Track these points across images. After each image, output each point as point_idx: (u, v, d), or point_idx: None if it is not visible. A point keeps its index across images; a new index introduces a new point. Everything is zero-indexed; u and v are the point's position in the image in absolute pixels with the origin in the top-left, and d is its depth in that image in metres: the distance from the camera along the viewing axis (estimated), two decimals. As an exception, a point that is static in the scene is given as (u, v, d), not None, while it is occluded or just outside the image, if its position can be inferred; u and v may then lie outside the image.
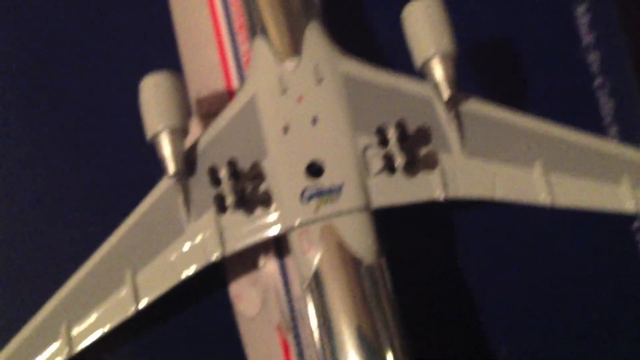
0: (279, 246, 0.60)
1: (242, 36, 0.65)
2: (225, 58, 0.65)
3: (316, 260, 0.51)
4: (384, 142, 0.52)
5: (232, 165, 0.52)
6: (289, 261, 0.59)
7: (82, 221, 0.61)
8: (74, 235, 0.61)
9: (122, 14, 0.65)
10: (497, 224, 0.59)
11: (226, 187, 0.52)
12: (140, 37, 0.64)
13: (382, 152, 0.53)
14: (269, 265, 0.60)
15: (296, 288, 0.59)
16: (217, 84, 0.64)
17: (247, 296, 0.59)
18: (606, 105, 0.61)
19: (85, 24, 0.65)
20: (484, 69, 0.62)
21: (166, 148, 0.54)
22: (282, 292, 0.59)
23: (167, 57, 0.64)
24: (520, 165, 0.54)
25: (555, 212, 0.55)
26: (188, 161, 0.55)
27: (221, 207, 0.52)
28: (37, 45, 0.65)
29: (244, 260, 0.59)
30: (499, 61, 0.63)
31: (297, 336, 0.58)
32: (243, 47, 0.65)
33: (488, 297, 0.58)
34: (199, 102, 0.63)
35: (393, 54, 0.59)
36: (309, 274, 0.52)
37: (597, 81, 0.62)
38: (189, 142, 0.56)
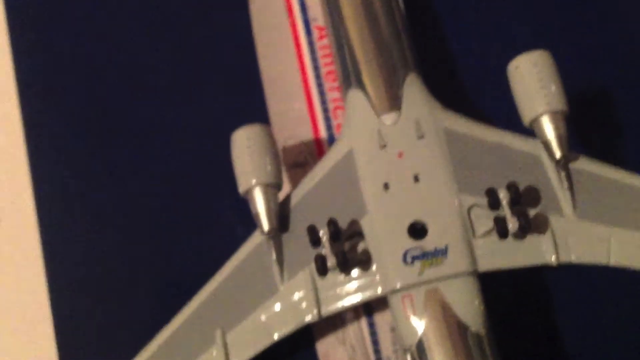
0: (367, 303, 0.56)
1: (329, 85, 0.63)
2: (312, 107, 0.63)
3: (421, 326, 0.49)
4: (495, 204, 0.49)
5: (333, 224, 0.50)
6: (378, 318, 0.57)
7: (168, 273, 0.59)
8: (159, 287, 0.59)
9: (210, 62, 0.64)
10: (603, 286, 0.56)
11: (327, 248, 0.50)
12: (227, 87, 0.64)
13: (489, 213, 0.50)
14: (357, 322, 0.58)
15: (386, 347, 0.57)
16: (304, 134, 0.62)
17: (334, 355, 0.57)
18: None
19: (173, 74, 0.64)
20: (591, 127, 0.59)
21: (260, 204, 0.52)
22: (371, 350, 0.57)
23: (254, 107, 0.63)
24: (637, 229, 0.51)
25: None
26: (281, 217, 0.53)
27: (322, 269, 0.50)
28: (124, 96, 0.64)
29: (333, 317, 0.56)
30: (607, 118, 0.61)
31: (387, 400, 0.56)
32: (331, 95, 0.63)
33: None
34: (286, 152, 0.62)
35: (492, 110, 0.57)
36: (413, 341, 0.49)
37: None
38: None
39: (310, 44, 0.65)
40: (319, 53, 0.64)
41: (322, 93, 0.63)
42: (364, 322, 0.58)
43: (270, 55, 0.64)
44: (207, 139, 0.60)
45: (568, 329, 0.56)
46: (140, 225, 0.61)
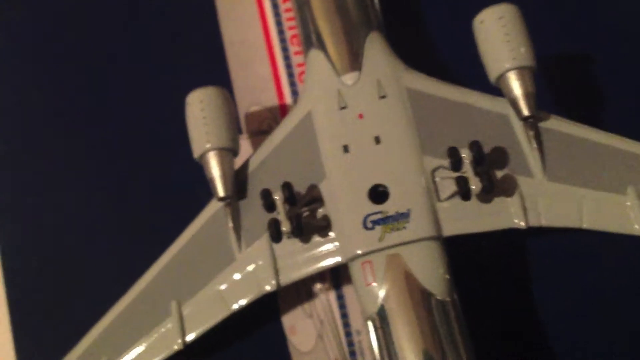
0: (335, 274, 0.55)
1: (295, 48, 0.61)
2: (277, 72, 0.61)
3: (382, 293, 0.47)
4: (456, 164, 0.47)
5: (287, 188, 0.48)
6: (348, 290, 0.55)
7: (124, 245, 0.57)
8: (115, 261, 0.57)
9: (170, 25, 0.62)
10: (581, 252, 0.54)
11: (282, 212, 0.47)
12: (187, 51, 0.61)
13: (453, 175, 0.47)
14: (325, 295, 0.56)
15: (356, 320, 0.55)
16: (268, 100, 0.60)
17: (302, 329, 0.55)
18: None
19: (131, 40, 0.62)
20: (565, 86, 0.57)
21: (214, 169, 0.50)
22: (339, 324, 0.55)
23: (215, 73, 0.60)
24: (611, 191, 0.49)
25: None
26: (238, 183, 0.51)
27: (276, 235, 0.48)
28: (81, 58, 0.62)
29: (298, 289, 0.55)
30: (582, 76, 0.58)
31: (356, 373, 0.53)
32: (296, 60, 0.61)
33: (566, 333, 0.53)
34: (249, 119, 0.59)
35: (461, 69, 0.55)
36: (374, 308, 0.47)
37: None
38: (238, 162, 0.52)
39: (275, 6, 0.62)
40: (284, 16, 0.62)
41: (287, 57, 0.61)
42: (332, 295, 0.56)
43: (231, 17, 0.61)
44: (166, 105, 0.58)
45: (539, 295, 0.53)
46: (98, 197, 0.59)
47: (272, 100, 0.60)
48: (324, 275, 0.56)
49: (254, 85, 0.60)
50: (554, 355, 0.52)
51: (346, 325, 0.55)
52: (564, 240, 0.52)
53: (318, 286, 0.55)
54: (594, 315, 0.53)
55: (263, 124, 0.59)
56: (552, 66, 0.56)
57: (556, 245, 0.53)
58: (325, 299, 0.55)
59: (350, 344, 0.54)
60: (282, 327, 0.55)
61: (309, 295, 0.55)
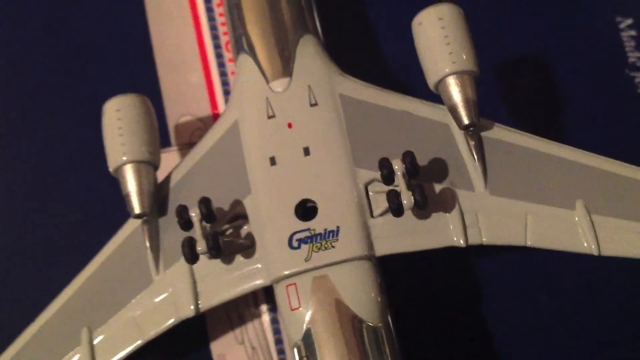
0: (270, 296, 0.51)
1: (230, 55, 0.57)
2: (210, 79, 0.57)
3: (307, 318, 0.42)
4: (388, 177, 0.43)
5: (205, 204, 0.44)
6: (283, 314, 0.50)
7: (41, 266, 0.53)
8: (30, 285, 0.53)
9: (97, 27, 0.58)
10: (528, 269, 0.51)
11: (198, 230, 0.43)
12: (112, 56, 0.57)
13: (386, 189, 0.43)
14: (258, 319, 0.52)
15: (290, 346, 0.50)
16: (200, 110, 0.56)
17: (232, 356, 0.51)
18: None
19: (53, 43, 0.57)
20: (511, 93, 0.53)
21: (130, 183, 0.46)
22: (274, 351, 0.51)
23: (143, 80, 0.56)
24: (558, 206, 0.45)
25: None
26: (158, 199, 0.47)
27: (191, 256, 0.43)
28: (8, 66, 0.58)
29: (229, 313, 0.52)
30: (528, 83, 0.55)
31: (291, 404, 0.49)
32: (231, 67, 0.57)
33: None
34: (179, 130, 0.55)
35: (407, 76, 0.52)
36: (299, 335, 0.43)
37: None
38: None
39: (209, 9, 0.58)
40: (218, 20, 0.58)
41: (221, 64, 0.57)
42: (266, 319, 0.52)
43: (162, 20, 0.57)
44: (88, 114, 0.53)
45: (483, 315, 0.51)
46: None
47: (204, 110, 0.56)
48: (257, 298, 0.52)
49: (185, 94, 0.57)
50: None
51: (281, 352, 0.51)
52: (510, 257, 0.50)
53: (250, 309, 0.51)
54: (542, 335, 0.50)
55: (194, 136, 0.55)
56: (504, 72, 0.53)
57: (502, 262, 0.51)
58: (258, 323, 0.52)
59: (286, 372, 0.50)
60: (210, 355, 0.51)
61: (241, 320, 0.52)
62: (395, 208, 0.42)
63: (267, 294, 0.52)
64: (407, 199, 0.42)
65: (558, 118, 0.53)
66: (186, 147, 0.55)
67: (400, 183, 0.43)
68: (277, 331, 0.52)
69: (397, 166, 0.43)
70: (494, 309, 0.51)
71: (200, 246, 0.43)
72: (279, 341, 0.52)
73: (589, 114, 0.54)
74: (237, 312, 0.52)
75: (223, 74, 0.57)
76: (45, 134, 0.56)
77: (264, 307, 0.52)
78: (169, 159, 0.53)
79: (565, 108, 0.55)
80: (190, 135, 0.55)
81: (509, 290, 0.51)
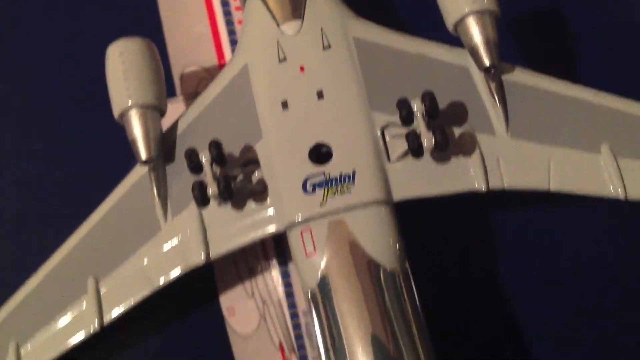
0: (280, 249, 0.50)
1: (236, 3, 0.56)
2: (216, 29, 0.55)
3: (322, 264, 0.41)
4: (406, 118, 0.41)
5: (215, 146, 0.42)
6: (294, 267, 0.50)
7: (40, 216, 0.52)
8: (31, 233, 0.52)
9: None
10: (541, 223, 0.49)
11: (209, 173, 0.42)
12: (115, 6, 0.56)
13: (405, 131, 0.42)
14: (268, 272, 0.51)
15: (303, 300, 0.50)
16: (206, 60, 0.55)
17: (242, 310, 0.50)
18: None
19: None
20: (532, 37, 0.52)
21: (136, 129, 0.44)
22: (284, 305, 0.50)
23: (147, 31, 0.54)
24: (582, 149, 0.44)
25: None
26: (166, 146, 0.46)
27: (201, 199, 0.42)
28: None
29: (238, 266, 0.50)
30: (550, 28, 0.53)
31: (303, 358, 0.49)
32: (237, 16, 0.55)
33: (532, 317, 0.49)
34: (184, 80, 0.54)
35: (421, 19, 0.50)
36: (314, 281, 0.42)
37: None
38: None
39: (214, -48, 0.57)
40: (225, -36, 0.56)
41: (227, 13, 0.56)
42: (276, 272, 0.51)
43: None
44: (93, 62, 0.52)
45: (500, 267, 0.49)
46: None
47: (210, 60, 0.55)
48: (267, 251, 0.51)
49: (191, 44, 0.55)
50: (513, 329, 0.48)
51: (292, 306, 0.50)
52: (531, 210, 0.49)
53: (260, 262, 0.51)
54: (557, 290, 0.49)
55: (200, 86, 0.54)
56: (521, 18, 0.52)
57: (522, 214, 0.49)
58: (268, 277, 0.51)
59: (297, 326, 0.50)
60: (220, 309, 0.50)
61: (251, 273, 0.50)
62: (415, 148, 0.41)
63: (277, 247, 0.51)
64: (427, 140, 0.41)
65: (578, 66, 0.52)
66: (192, 97, 0.54)
67: (419, 124, 0.42)
68: (287, 285, 0.51)
69: (417, 106, 0.42)
70: (512, 265, 0.50)
71: (211, 189, 0.42)
72: (289, 294, 0.51)
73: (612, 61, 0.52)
74: (247, 265, 0.51)
75: (229, 23, 0.56)
76: (52, 84, 0.55)
77: (274, 261, 0.51)
78: (175, 109, 0.52)
79: (587, 58, 0.53)
80: (197, 86, 0.54)
81: (528, 246, 0.50)
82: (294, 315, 0.50)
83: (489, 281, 0.49)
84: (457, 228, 0.50)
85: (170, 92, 0.53)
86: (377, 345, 0.40)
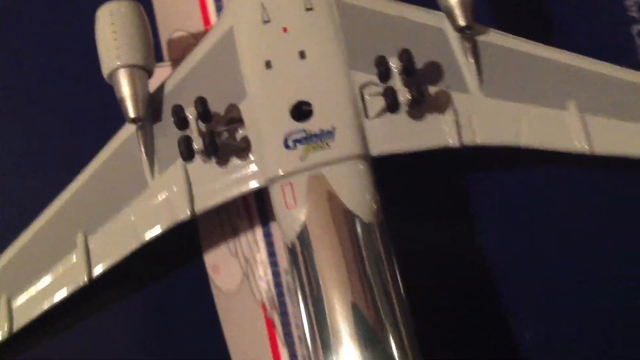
0: (263, 210, 0.52)
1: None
2: (203, -7, 0.56)
3: (302, 216, 0.43)
4: (385, 75, 0.43)
5: (201, 103, 0.44)
6: (276, 227, 0.51)
7: (31, 175, 0.53)
8: (20, 191, 0.53)
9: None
10: (521, 191, 0.51)
11: (194, 128, 0.43)
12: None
13: (383, 88, 0.44)
14: (251, 232, 0.52)
15: (284, 259, 0.51)
16: (193, 25, 0.56)
17: (225, 268, 0.51)
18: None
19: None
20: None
21: (125, 88, 0.46)
22: (267, 263, 0.51)
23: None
24: (550, 107, 0.46)
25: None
26: (153, 105, 0.47)
27: (188, 154, 0.44)
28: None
29: (222, 225, 0.52)
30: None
31: (284, 314, 0.50)
32: (224, -20, 0.56)
33: (509, 280, 0.50)
34: (172, 45, 0.55)
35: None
36: (294, 233, 0.43)
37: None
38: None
39: None
40: None
41: (214, -25, 0.56)
42: (259, 232, 0.52)
43: None
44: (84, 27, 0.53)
45: (478, 224, 0.51)
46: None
47: (197, 26, 0.56)
48: (250, 212, 0.52)
49: (178, 9, 0.56)
50: (489, 288, 0.50)
51: (274, 264, 0.52)
52: (507, 171, 0.50)
53: (243, 222, 0.52)
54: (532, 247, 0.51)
55: (187, 51, 0.54)
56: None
57: (498, 175, 0.51)
58: (251, 236, 0.52)
59: (278, 284, 0.51)
60: (204, 266, 0.51)
61: (234, 233, 0.52)
62: (391, 103, 0.43)
63: (259, 208, 0.52)
64: (403, 95, 0.42)
65: (549, 28, 0.53)
66: (179, 62, 0.54)
67: (396, 80, 0.43)
68: (269, 244, 0.52)
69: (394, 63, 0.43)
70: (488, 223, 0.51)
71: (197, 144, 0.43)
72: (271, 254, 0.52)
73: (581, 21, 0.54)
74: (231, 225, 0.52)
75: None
76: (40, 44, 0.56)
77: (257, 221, 0.52)
78: (163, 73, 0.53)
79: (557, 20, 0.54)
80: (184, 51, 0.55)
81: (503, 206, 0.51)
82: (276, 274, 0.51)
83: (464, 239, 0.51)
84: (435, 189, 0.51)
85: (158, 58, 0.54)
86: (353, 290, 0.42)
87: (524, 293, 0.50)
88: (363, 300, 0.42)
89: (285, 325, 0.50)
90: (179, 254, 0.51)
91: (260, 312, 0.50)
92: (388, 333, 0.42)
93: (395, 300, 0.42)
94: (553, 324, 0.49)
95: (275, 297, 0.51)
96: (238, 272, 0.51)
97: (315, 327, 0.42)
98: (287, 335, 0.50)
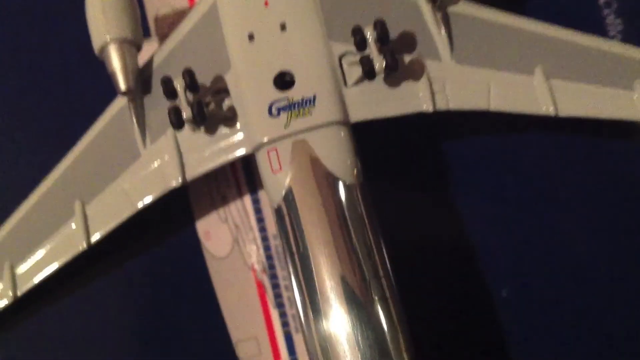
0: (251, 178, 0.54)
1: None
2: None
3: (287, 179, 0.45)
4: (361, 44, 0.46)
5: (189, 74, 0.46)
6: (263, 195, 0.54)
7: (29, 148, 0.55)
8: (20, 164, 0.55)
9: None
10: (493, 158, 0.53)
11: (183, 98, 0.46)
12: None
13: (359, 57, 0.46)
14: (240, 199, 0.54)
15: (272, 225, 0.53)
16: (179, 2, 0.58)
17: (216, 234, 0.54)
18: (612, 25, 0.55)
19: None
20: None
21: (115, 61, 0.48)
22: (256, 228, 0.54)
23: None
24: (518, 72, 0.48)
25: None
26: (143, 78, 0.49)
27: (177, 122, 0.46)
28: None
29: (212, 194, 0.54)
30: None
31: (273, 277, 0.53)
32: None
33: (486, 240, 0.52)
34: (158, 22, 0.57)
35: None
36: (280, 195, 0.46)
37: None
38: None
39: None
40: None
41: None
42: (247, 199, 0.54)
43: None
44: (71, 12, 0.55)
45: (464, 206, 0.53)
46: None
47: (183, 3, 0.58)
48: (239, 180, 0.54)
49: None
50: (468, 259, 0.52)
51: (262, 230, 0.54)
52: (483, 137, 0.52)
53: (233, 190, 0.54)
54: (513, 214, 0.53)
55: (174, 28, 0.56)
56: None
57: (473, 141, 0.53)
58: (240, 203, 0.54)
59: (267, 248, 0.53)
60: (196, 233, 0.53)
61: (224, 200, 0.54)
62: (368, 71, 0.45)
63: (247, 177, 0.55)
64: (379, 63, 0.45)
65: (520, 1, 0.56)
66: (166, 38, 0.57)
67: (372, 49, 0.46)
68: (258, 211, 0.54)
69: (369, 33, 0.46)
70: (465, 192, 0.53)
71: (186, 113, 0.46)
72: (260, 220, 0.54)
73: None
74: (220, 194, 0.54)
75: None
76: (36, 24, 0.57)
77: (245, 188, 0.54)
78: (150, 48, 0.55)
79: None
80: (169, 27, 0.57)
81: (480, 172, 0.53)
82: (265, 239, 0.54)
83: (440, 204, 0.53)
84: (410, 155, 0.53)
85: (146, 34, 0.56)
86: (337, 246, 0.44)
87: (500, 254, 0.52)
88: (346, 255, 0.44)
89: (275, 287, 0.53)
90: (173, 221, 0.53)
91: (251, 275, 0.53)
92: (372, 285, 0.44)
93: (376, 256, 0.45)
94: (528, 281, 0.52)
95: (265, 261, 0.53)
96: (228, 238, 0.53)
97: (302, 281, 0.45)
98: (277, 296, 0.53)
